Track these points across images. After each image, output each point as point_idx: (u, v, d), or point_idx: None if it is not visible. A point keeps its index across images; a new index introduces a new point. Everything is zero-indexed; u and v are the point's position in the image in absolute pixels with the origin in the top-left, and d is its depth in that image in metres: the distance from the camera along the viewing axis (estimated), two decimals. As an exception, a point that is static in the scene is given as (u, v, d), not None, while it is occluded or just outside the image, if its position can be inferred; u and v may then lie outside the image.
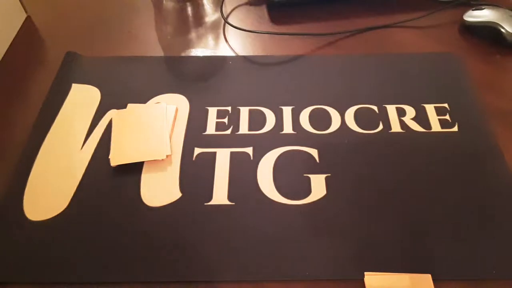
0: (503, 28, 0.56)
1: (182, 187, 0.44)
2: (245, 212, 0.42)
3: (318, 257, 0.39)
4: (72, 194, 0.43)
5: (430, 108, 0.50)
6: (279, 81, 0.54)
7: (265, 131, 0.48)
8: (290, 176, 0.44)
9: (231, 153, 0.46)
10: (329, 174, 0.44)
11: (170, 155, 0.46)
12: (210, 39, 0.58)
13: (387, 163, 0.45)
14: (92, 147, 0.47)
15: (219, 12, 0.58)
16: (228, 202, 0.42)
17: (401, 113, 0.50)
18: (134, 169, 0.45)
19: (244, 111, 0.50)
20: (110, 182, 0.44)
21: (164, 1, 0.54)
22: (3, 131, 0.49)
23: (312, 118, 0.49)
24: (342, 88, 0.53)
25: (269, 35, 0.60)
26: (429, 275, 0.37)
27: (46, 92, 0.53)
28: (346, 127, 0.48)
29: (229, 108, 0.51)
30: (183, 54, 0.58)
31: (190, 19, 0.55)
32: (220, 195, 0.43)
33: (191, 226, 0.41)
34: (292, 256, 0.39)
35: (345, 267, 0.38)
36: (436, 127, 0.48)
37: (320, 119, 0.49)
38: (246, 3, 0.65)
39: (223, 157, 0.46)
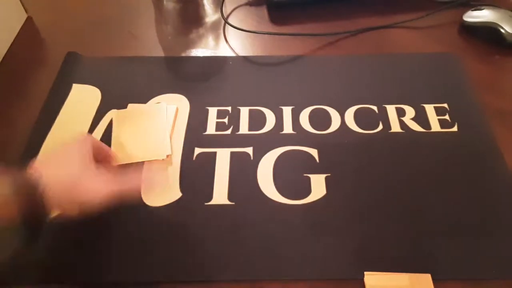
0: (502, 28, 0.56)
1: (182, 187, 0.44)
2: (245, 212, 0.42)
3: (318, 257, 0.39)
4: (72, 194, 0.43)
5: (429, 108, 0.50)
6: (279, 81, 0.54)
7: (265, 131, 0.48)
8: (290, 176, 0.44)
9: (231, 153, 0.46)
10: (329, 174, 0.44)
11: (170, 155, 0.46)
12: (210, 40, 0.58)
13: (387, 163, 0.45)
14: (92, 147, 0.47)
15: (219, 12, 0.58)
16: (228, 202, 0.42)
17: (400, 113, 0.50)
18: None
19: (244, 111, 0.50)
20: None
21: (164, 1, 0.54)
22: (4, 131, 0.49)
23: (312, 118, 0.49)
24: (342, 88, 0.53)
25: (269, 35, 0.60)
26: (429, 275, 0.37)
27: (47, 92, 0.53)
28: (346, 127, 0.48)
29: (229, 108, 0.51)
30: (183, 54, 0.58)
31: (190, 19, 0.55)
32: (220, 195, 0.43)
33: (191, 226, 0.41)
34: (292, 256, 0.39)
35: (345, 267, 0.38)
36: (435, 127, 0.48)
37: (320, 119, 0.49)
38: (246, 4, 0.65)
39: (223, 157, 0.46)
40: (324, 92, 0.52)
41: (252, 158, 0.46)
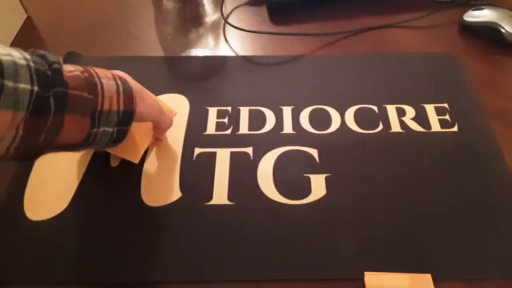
0: (503, 28, 0.56)
1: (182, 187, 0.44)
2: (245, 212, 0.42)
3: (318, 257, 0.39)
4: (72, 194, 0.43)
5: (430, 108, 0.50)
6: (279, 81, 0.54)
7: (265, 131, 0.48)
8: (290, 176, 0.44)
9: (231, 153, 0.46)
10: (329, 174, 0.44)
11: (172, 156, 0.46)
12: (210, 39, 0.58)
13: (387, 163, 0.45)
14: (92, 147, 0.47)
15: (219, 12, 0.58)
16: (228, 202, 0.42)
17: (401, 113, 0.50)
18: (134, 169, 0.45)
19: (244, 111, 0.50)
20: (110, 182, 0.44)
21: (164, 1, 0.54)
22: (3, 131, 0.49)
23: (312, 118, 0.49)
24: (342, 88, 0.53)
25: (269, 35, 0.60)
26: (429, 275, 0.37)
27: (47, 92, 0.53)
28: (346, 127, 0.48)
29: (229, 108, 0.51)
30: (183, 54, 0.58)
31: (190, 19, 0.55)
32: (220, 195, 0.43)
33: (191, 226, 0.41)
34: (292, 256, 0.39)
35: (345, 267, 0.38)
36: (436, 127, 0.48)
37: (320, 119, 0.49)
38: (246, 3, 0.65)
39: (223, 157, 0.46)
40: (324, 92, 0.52)
41: (252, 158, 0.46)
